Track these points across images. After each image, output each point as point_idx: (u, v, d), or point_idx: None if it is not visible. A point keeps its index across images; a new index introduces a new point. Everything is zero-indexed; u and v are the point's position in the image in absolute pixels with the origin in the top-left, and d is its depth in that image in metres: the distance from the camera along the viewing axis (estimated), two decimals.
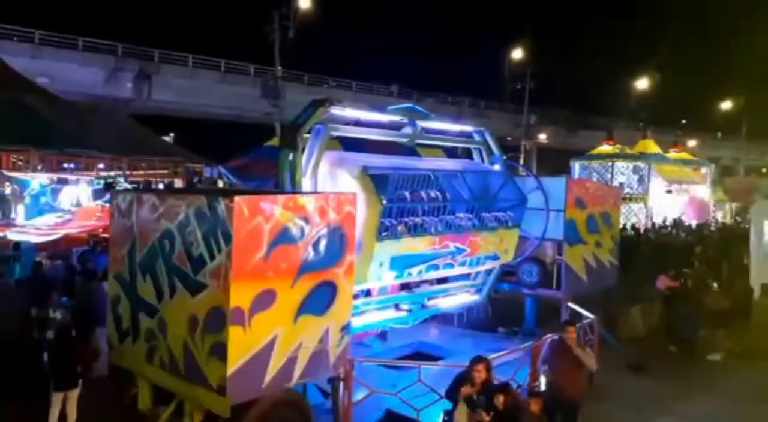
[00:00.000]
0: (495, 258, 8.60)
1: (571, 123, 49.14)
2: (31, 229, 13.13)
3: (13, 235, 12.39)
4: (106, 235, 12.01)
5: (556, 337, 6.93)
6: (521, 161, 38.26)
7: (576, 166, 25.40)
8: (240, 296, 5.09)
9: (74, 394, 6.76)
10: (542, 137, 47.07)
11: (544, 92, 42.80)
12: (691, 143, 49.05)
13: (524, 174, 12.33)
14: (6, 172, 14.19)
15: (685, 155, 29.86)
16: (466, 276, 9.06)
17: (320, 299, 5.71)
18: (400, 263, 7.23)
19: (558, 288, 9.47)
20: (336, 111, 7.24)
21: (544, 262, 9.66)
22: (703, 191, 27.79)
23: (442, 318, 9.90)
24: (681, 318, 11.44)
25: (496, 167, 9.07)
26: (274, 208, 5.32)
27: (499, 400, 5.57)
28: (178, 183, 16.56)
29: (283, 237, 5.37)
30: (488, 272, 9.18)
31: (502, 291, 9.84)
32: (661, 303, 12.48)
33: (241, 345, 5.11)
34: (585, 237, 9.79)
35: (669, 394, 8.71)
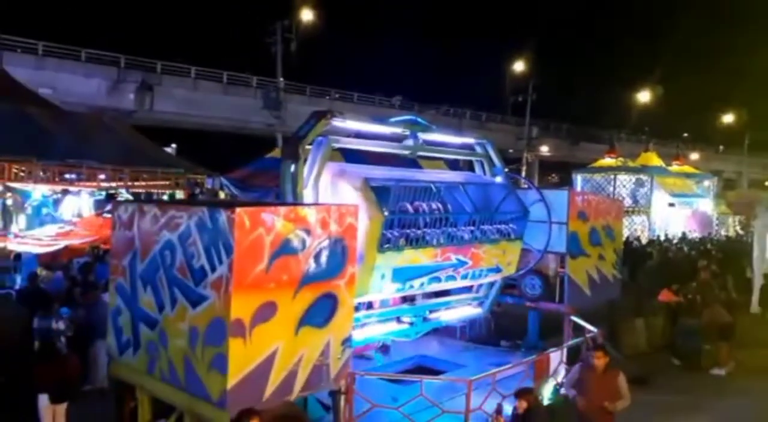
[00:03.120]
0: (497, 271, 8.59)
1: (572, 135, 49.29)
2: (32, 240, 13.15)
3: (13, 246, 12.40)
4: (106, 246, 12.04)
5: (588, 362, 6.87)
6: (523, 173, 38.33)
7: (578, 179, 25.45)
8: (241, 308, 5.09)
9: (62, 408, 6.76)
10: (544, 149, 47.19)
11: (545, 105, 43.09)
12: (694, 156, 49.23)
13: (526, 186, 12.34)
14: (8, 183, 14.23)
15: (687, 168, 29.95)
16: (469, 289, 9.02)
17: (321, 311, 5.69)
18: (401, 275, 7.21)
19: (561, 302, 9.42)
20: (337, 123, 7.25)
21: (546, 275, 9.60)
22: (706, 204, 27.80)
23: (445, 332, 9.87)
24: (685, 332, 11.41)
25: (498, 179, 9.06)
26: (276, 220, 5.32)
27: (522, 406, 5.77)
28: (180, 194, 16.59)
29: (284, 248, 5.37)
30: (490, 285, 9.14)
31: (505, 304, 9.79)
32: (665, 317, 12.46)
33: (241, 358, 5.10)
34: (588, 250, 9.73)
35: (673, 409, 8.67)
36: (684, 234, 24.26)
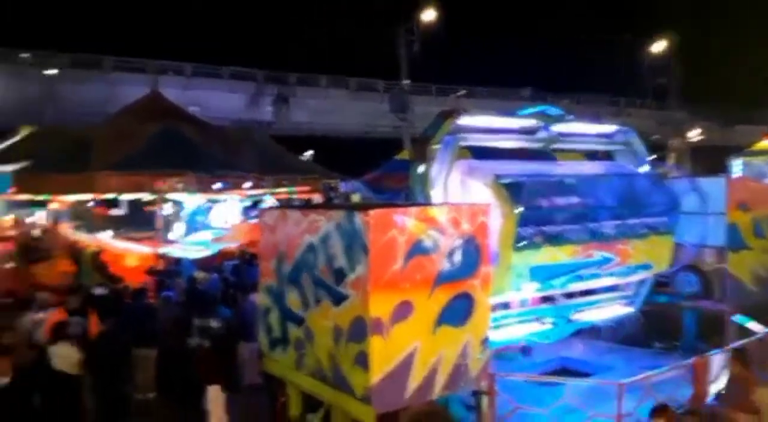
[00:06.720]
0: (647, 267, 8.05)
1: (725, 117, 44.92)
2: (190, 246, 14.48)
3: (176, 252, 13.74)
4: (253, 250, 12.94)
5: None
6: (671, 161, 35.53)
7: (735, 164, 23.11)
8: (379, 306, 5.21)
9: (223, 399, 7.24)
10: (692, 134, 43.41)
11: (691, 85, 39.60)
12: None
13: (676, 175, 11.45)
14: (167, 195, 15.80)
15: None
16: (616, 288, 8.55)
17: (458, 311, 5.67)
18: (540, 274, 7.00)
19: (721, 300, 8.62)
20: (464, 120, 7.20)
21: (703, 271, 8.87)
22: None
23: (589, 332, 9.40)
24: None
25: (643, 169, 8.51)
26: (408, 221, 5.39)
27: None
28: (317, 198, 17.38)
29: (417, 249, 5.42)
30: (640, 282, 8.59)
31: (656, 303, 9.15)
32: None
33: (382, 355, 5.22)
34: (751, 243, 8.84)
35: None
36: None
